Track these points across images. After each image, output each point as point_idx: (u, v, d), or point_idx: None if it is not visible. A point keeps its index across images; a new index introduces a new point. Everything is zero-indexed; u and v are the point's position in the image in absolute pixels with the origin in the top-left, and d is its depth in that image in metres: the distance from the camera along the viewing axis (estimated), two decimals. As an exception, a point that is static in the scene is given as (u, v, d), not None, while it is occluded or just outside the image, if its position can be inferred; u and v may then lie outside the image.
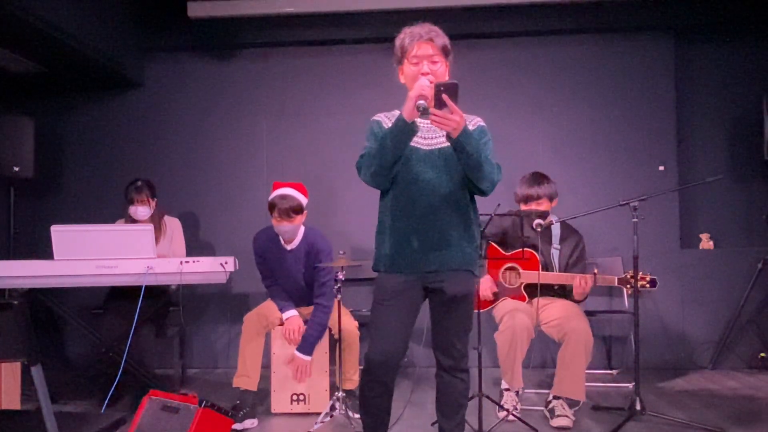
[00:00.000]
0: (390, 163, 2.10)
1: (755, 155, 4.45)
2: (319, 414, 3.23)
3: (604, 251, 4.39)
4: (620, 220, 4.09)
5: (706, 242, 4.54)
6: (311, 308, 3.44)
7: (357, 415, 2.96)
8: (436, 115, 1.96)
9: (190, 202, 4.71)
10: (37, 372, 1.78)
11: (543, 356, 4.42)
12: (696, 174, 4.56)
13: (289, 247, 3.43)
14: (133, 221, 3.79)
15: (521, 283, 3.44)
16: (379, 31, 4.53)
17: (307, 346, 3.34)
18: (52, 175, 4.76)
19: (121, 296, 3.63)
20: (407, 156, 2.15)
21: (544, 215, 3.49)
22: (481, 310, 3.01)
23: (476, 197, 2.26)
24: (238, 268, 3.39)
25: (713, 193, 4.57)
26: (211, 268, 3.32)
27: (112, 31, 4.30)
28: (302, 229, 3.43)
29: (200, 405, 2.66)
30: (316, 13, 4.42)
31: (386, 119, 2.23)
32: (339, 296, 3.22)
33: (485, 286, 3.42)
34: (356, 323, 3.46)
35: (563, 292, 3.46)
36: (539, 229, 3.37)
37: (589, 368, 3.24)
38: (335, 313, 3.26)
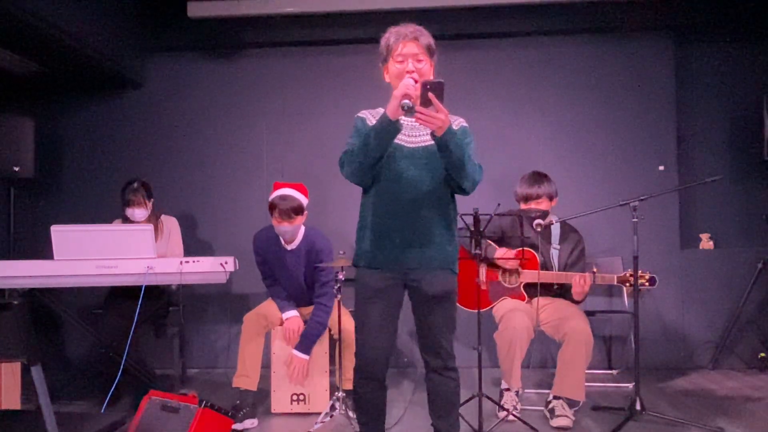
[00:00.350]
0: (373, 160, 2.12)
1: (755, 155, 4.45)
2: (319, 414, 3.23)
3: (604, 251, 4.38)
4: (620, 220, 4.09)
5: (706, 242, 4.54)
6: (311, 308, 3.44)
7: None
8: (422, 113, 1.98)
9: (190, 202, 4.71)
10: (37, 372, 1.78)
11: (543, 356, 4.42)
12: (696, 174, 4.56)
13: (289, 247, 3.42)
14: (130, 222, 3.79)
15: (521, 283, 3.45)
16: (379, 31, 4.46)
17: (305, 344, 3.33)
18: (52, 175, 4.76)
19: (121, 296, 3.63)
20: (391, 153, 2.17)
21: (543, 214, 3.50)
22: (481, 310, 3.00)
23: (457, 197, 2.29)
24: (238, 268, 3.39)
25: (713, 193, 4.56)
26: (211, 268, 3.32)
27: (112, 31, 4.30)
28: (302, 229, 3.43)
29: (200, 405, 2.67)
30: (316, 13, 4.41)
31: (371, 116, 2.26)
32: (339, 296, 3.22)
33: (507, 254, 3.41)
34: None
35: (563, 292, 3.46)
36: (539, 229, 3.37)
37: (589, 368, 3.24)
38: (335, 313, 3.26)
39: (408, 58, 2.16)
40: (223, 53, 4.79)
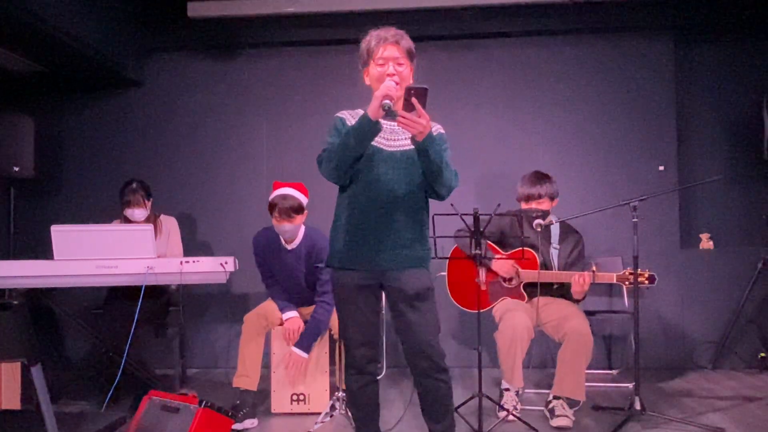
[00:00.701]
0: (351, 159, 2.14)
1: (755, 155, 4.44)
2: (319, 414, 3.23)
3: (604, 251, 4.38)
4: (620, 220, 4.09)
5: (705, 242, 4.54)
6: (311, 308, 3.44)
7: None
8: (404, 117, 2.00)
9: (190, 202, 4.70)
10: (37, 372, 1.78)
11: (543, 356, 4.42)
12: (696, 174, 4.56)
13: (289, 247, 3.42)
14: (130, 223, 3.79)
15: (521, 283, 3.44)
16: (379, 31, 4.52)
17: (305, 342, 3.33)
18: (52, 175, 4.75)
19: (121, 296, 3.63)
20: (370, 155, 2.20)
21: (544, 214, 3.50)
22: (481, 310, 3.01)
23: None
24: (238, 268, 3.39)
25: (713, 193, 4.56)
26: (211, 268, 3.33)
27: (112, 31, 4.30)
28: (303, 228, 3.43)
29: (200, 405, 2.67)
30: (317, 13, 4.41)
31: (350, 117, 2.28)
32: (339, 296, 3.21)
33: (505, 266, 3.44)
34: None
35: (563, 291, 3.46)
36: (539, 229, 3.37)
37: (589, 368, 3.24)
38: (335, 313, 3.25)
39: (389, 62, 2.19)
40: (223, 53, 4.79)
